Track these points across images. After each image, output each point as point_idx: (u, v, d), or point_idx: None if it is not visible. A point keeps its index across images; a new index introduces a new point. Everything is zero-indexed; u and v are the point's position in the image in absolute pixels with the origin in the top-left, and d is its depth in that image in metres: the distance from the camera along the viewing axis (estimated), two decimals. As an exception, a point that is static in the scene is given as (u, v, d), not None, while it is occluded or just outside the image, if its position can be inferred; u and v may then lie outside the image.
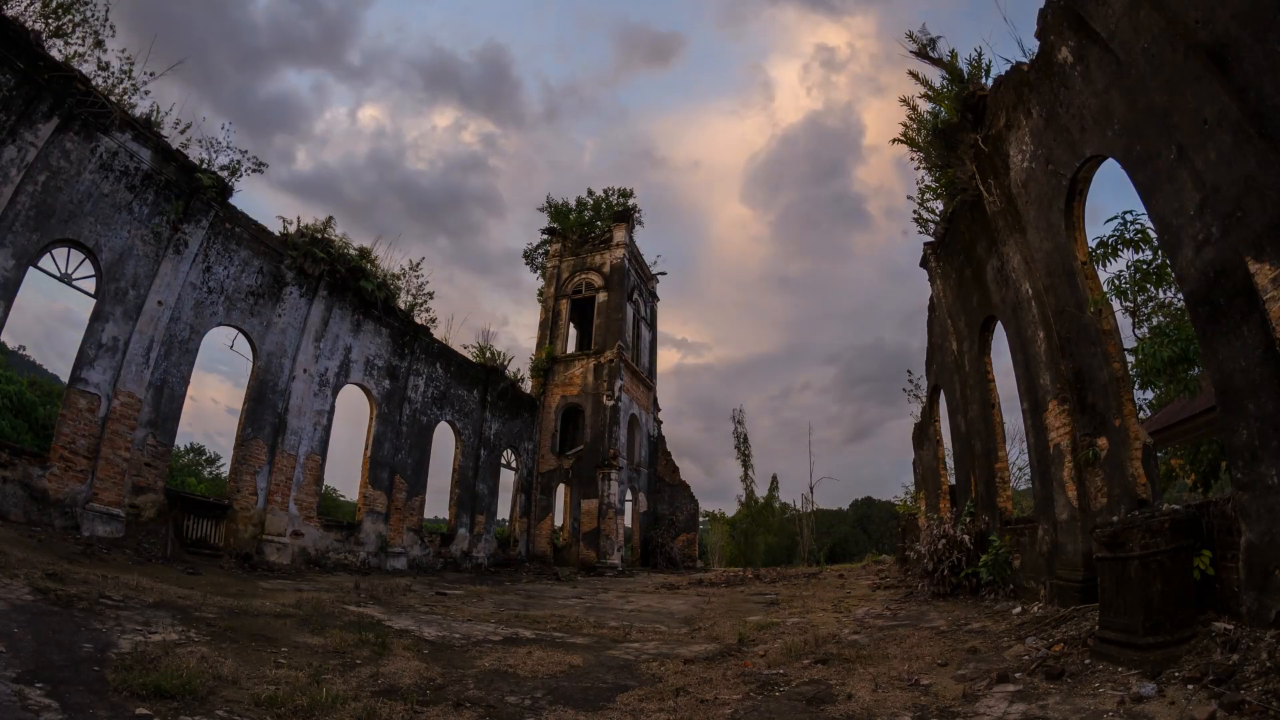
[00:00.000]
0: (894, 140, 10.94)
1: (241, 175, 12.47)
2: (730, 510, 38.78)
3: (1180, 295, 6.17)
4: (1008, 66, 7.91)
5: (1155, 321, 9.39)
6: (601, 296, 25.54)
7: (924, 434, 15.65)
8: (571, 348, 26.98)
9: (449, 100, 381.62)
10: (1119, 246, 6.85)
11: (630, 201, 28.38)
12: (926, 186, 11.28)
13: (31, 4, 9.43)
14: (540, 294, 27.31)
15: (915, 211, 11.92)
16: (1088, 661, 4.53)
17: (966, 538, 9.69)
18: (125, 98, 10.68)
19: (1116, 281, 7.15)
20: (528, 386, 24.09)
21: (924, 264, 12.80)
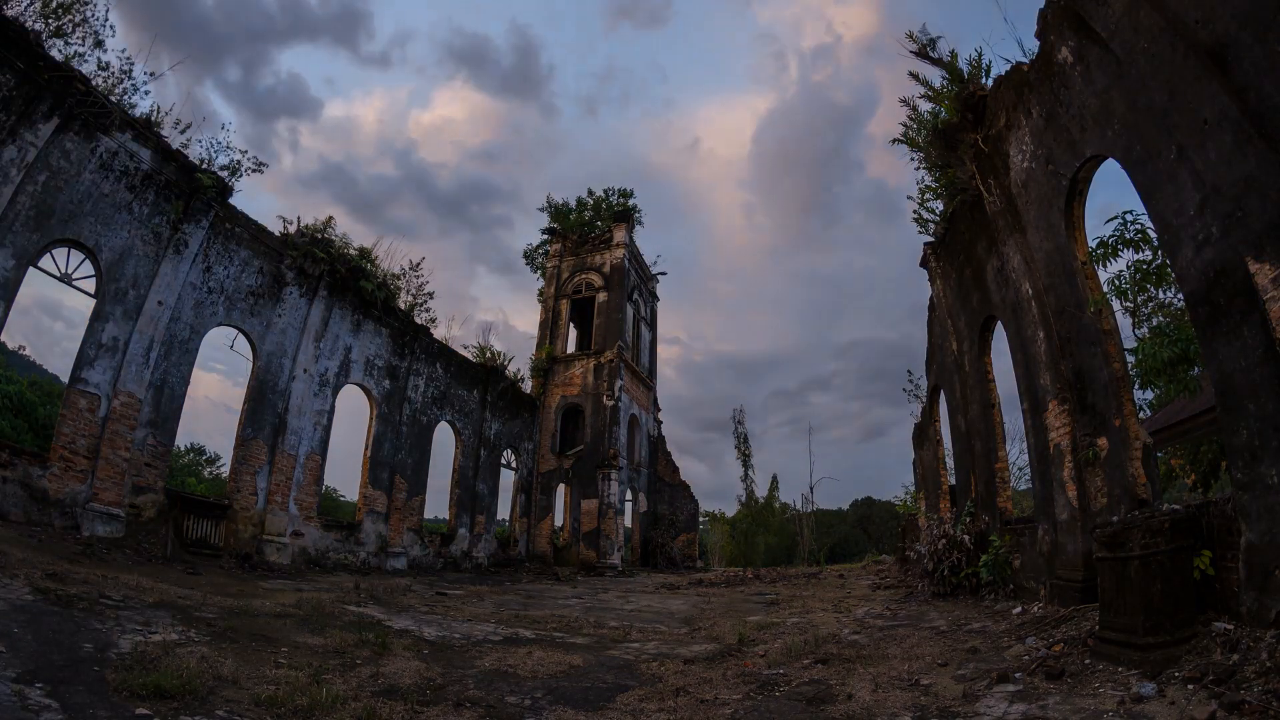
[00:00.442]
0: (894, 140, 10.95)
1: (241, 175, 12.50)
2: (731, 510, 38.85)
3: (1180, 295, 6.17)
4: (1008, 66, 7.91)
5: (1155, 321, 9.40)
6: (601, 296, 25.54)
7: (924, 434, 15.65)
8: (571, 348, 26.99)
9: (475, 87, 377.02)
10: (1119, 246, 6.84)
11: (630, 201, 28.43)
12: (926, 186, 11.29)
13: (31, 4, 9.44)
14: (540, 294, 27.33)
15: (915, 211, 11.94)
16: (1088, 661, 4.52)
17: (966, 538, 9.69)
18: (125, 98, 10.70)
19: (1116, 281, 7.14)
20: (528, 386, 24.10)
21: (924, 264, 12.80)
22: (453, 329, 25.22)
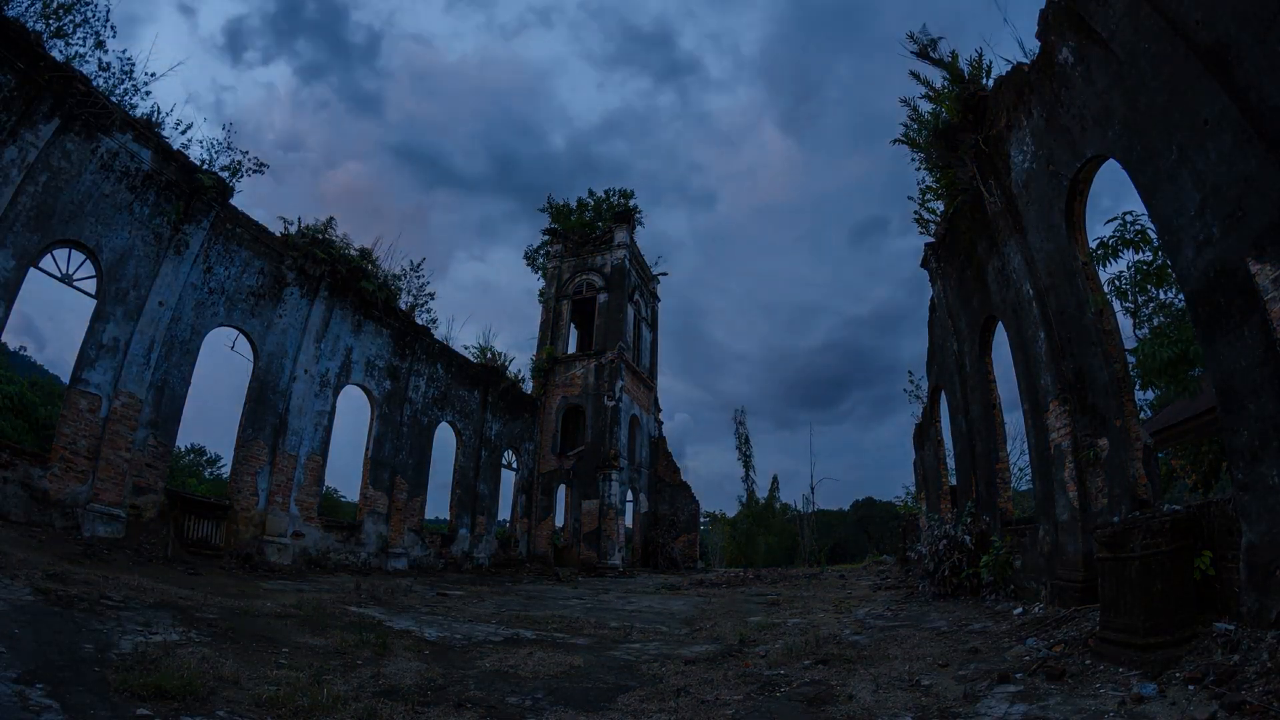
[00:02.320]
0: (894, 141, 10.94)
1: (242, 175, 12.51)
2: (732, 511, 38.87)
3: (1180, 295, 6.17)
4: (1008, 67, 7.91)
5: (1155, 322, 9.39)
6: (602, 297, 25.56)
7: (925, 434, 15.64)
8: (572, 348, 26.99)
9: (612, 64, 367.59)
10: (1119, 247, 6.85)
11: (631, 202, 28.41)
12: (927, 187, 11.26)
13: (32, 4, 9.45)
14: (541, 295, 27.34)
15: (915, 212, 11.91)
16: (1088, 662, 4.52)
17: (967, 538, 9.68)
18: (126, 98, 10.72)
19: (1117, 282, 7.15)
20: (529, 387, 24.10)
21: (925, 264, 12.80)
22: (455, 329, 25.20)
